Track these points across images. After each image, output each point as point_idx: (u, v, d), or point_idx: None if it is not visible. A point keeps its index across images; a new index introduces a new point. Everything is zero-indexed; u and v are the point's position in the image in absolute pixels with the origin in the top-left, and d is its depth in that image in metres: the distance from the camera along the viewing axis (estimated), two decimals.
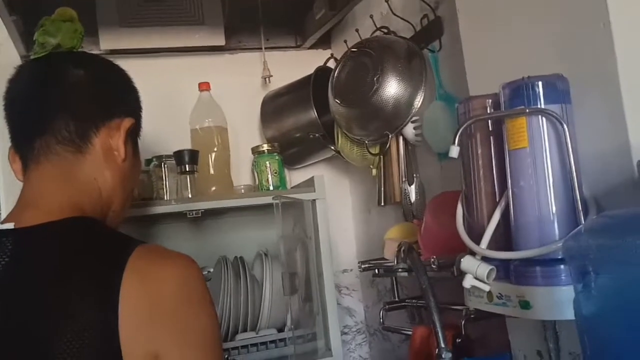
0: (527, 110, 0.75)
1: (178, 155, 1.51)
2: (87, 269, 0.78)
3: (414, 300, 1.38)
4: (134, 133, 0.97)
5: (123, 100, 0.97)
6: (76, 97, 0.91)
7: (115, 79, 0.98)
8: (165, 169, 1.52)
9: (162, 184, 1.53)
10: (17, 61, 1.62)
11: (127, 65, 1.73)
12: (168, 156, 1.53)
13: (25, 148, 0.90)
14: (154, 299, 0.77)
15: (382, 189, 1.48)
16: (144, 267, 0.78)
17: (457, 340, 1.09)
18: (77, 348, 0.73)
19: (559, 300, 0.72)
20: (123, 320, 0.74)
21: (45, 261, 0.80)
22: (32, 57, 0.95)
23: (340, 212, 1.85)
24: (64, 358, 0.73)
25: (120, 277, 0.75)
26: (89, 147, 0.90)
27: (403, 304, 1.40)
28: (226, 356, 1.37)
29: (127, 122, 0.93)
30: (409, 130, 1.36)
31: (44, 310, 0.76)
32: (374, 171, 1.51)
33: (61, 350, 0.73)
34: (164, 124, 1.66)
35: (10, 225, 0.83)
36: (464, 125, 0.82)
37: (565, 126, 0.73)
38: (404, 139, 1.40)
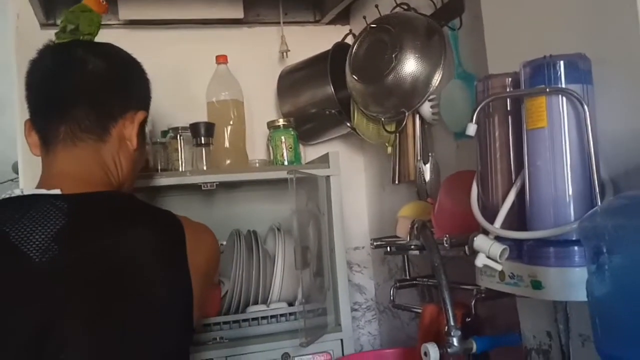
0: (548, 90, 0.74)
1: (194, 127, 1.51)
2: (156, 225, 0.92)
3: (424, 279, 1.38)
4: (143, 123, 1.05)
5: (138, 93, 1.05)
6: (97, 88, 0.99)
7: (132, 72, 1.05)
8: (181, 140, 1.53)
9: (177, 156, 1.54)
10: (37, 29, 1.63)
11: (145, 36, 1.73)
12: (184, 128, 1.53)
13: (47, 130, 0.98)
14: (207, 262, 0.95)
15: (397, 166, 1.48)
16: (195, 234, 0.94)
17: (466, 319, 1.09)
18: (168, 298, 0.88)
19: (571, 281, 0.71)
20: (191, 265, 0.90)
21: (101, 223, 0.89)
22: (55, 41, 1.02)
23: (354, 188, 1.85)
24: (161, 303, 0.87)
25: (182, 230, 0.92)
26: (108, 136, 0.99)
27: (414, 282, 1.40)
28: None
29: (140, 115, 1.02)
30: (426, 108, 1.35)
31: (113, 263, 0.86)
32: (389, 149, 1.50)
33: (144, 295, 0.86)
34: (181, 96, 1.67)
35: (57, 191, 0.90)
36: (483, 103, 0.82)
37: (585, 107, 0.72)
38: (421, 117, 1.39)
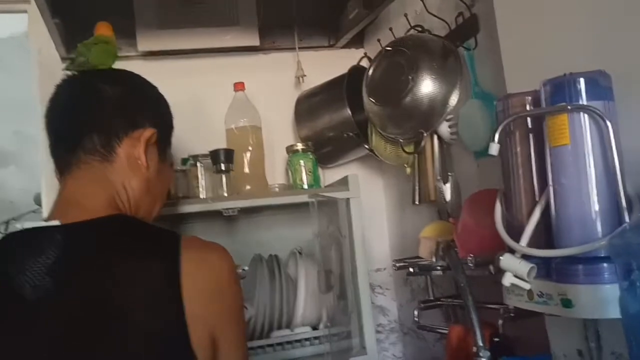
0: (569, 107, 0.74)
1: (214, 154, 1.53)
2: (140, 259, 0.86)
3: (449, 299, 1.37)
4: (161, 142, 1.05)
5: (145, 111, 1.03)
6: (102, 112, 0.99)
7: (140, 92, 1.06)
8: (202, 168, 1.55)
9: (198, 183, 1.55)
10: (58, 63, 1.66)
11: (164, 66, 1.77)
12: (204, 155, 1.55)
13: (60, 163, 0.99)
14: (211, 282, 0.88)
15: (417, 187, 1.48)
16: (196, 254, 0.88)
17: (494, 339, 1.08)
18: (146, 331, 0.81)
19: (602, 299, 0.71)
20: (187, 303, 0.83)
21: (94, 254, 0.87)
22: (65, 70, 1.06)
23: (374, 210, 1.85)
24: (133, 343, 0.81)
25: (178, 262, 0.85)
26: (114, 155, 0.98)
27: (438, 302, 1.39)
28: None
29: (147, 133, 1.00)
30: (444, 128, 1.35)
31: (102, 298, 0.82)
32: (409, 170, 1.50)
33: (128, 337, 0.81)
34: (200, 124, 1.70)
35: (56, 222, 0.89)
36: (505, 122, 0.82)
37: (608, 123, 0.72)
38: (439, 138, 1.40)
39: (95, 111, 0.99)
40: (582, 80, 0.75)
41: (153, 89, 1.08)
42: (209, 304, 0.87)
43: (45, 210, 1.74)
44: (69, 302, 0.83)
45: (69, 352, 0.81)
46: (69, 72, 1.06)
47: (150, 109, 1.05)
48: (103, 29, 1.11)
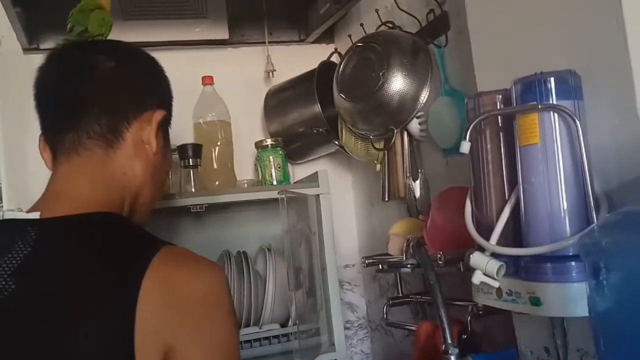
0: (540, 106, 0.75)
1: (181, 149, 1.51)
2: (107, 266, 0.76)
3: (418, 296, 1.37)
4: (165, 124, 0.95)
5: (154, 91, 0.94)
6: (108, 91, 0.89)
7: (146, 69, 0.95)
8: None
9: None
10: (19, 53, 1.61)
11: None
12: (172, 150, 1.52)
13: (55, 140, 0.88)
14: (173, 300, 0.75)
15: (386, 184, 1.48)
16: (165, 269, 0.76)
17: (462, 336, 1.09)
18: (92, 345, 0.72)
19: (570, 297, 0.71)
20: (140, 321, 0.72)
21: (64, 256, 0.78)
22: (62, 41, 0.93)
23: (342, 206, 1.85)
24: (77, 355, 0.72)
25: (141, 277, 0.73)
26: (120, 141, 0.88)
27: (407, 299, 1.39)
28: None
29: (158, 115, 0.91)
30: (414, 125, 1.36)
31: (59, 304, 0.75)
32: (378, 166, 1.50)
33: (74, 348, 0.72)
34: None
35: (36, 215, 0.81)
36: (476, 120, 0.82)
37: (577, 122, 0.73)
38: (409, 134, 1.40)
39: (99, 89, 0.88)
40: (552, 79, 0.75)
41: (157, 63, 0.97)
42: (169, 341, 0.73)
43: (6, 204, 1.69)
44: (24, 310, 0.75)
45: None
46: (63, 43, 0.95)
47: (158, 87, 0.95)
48: None
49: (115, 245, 0.80)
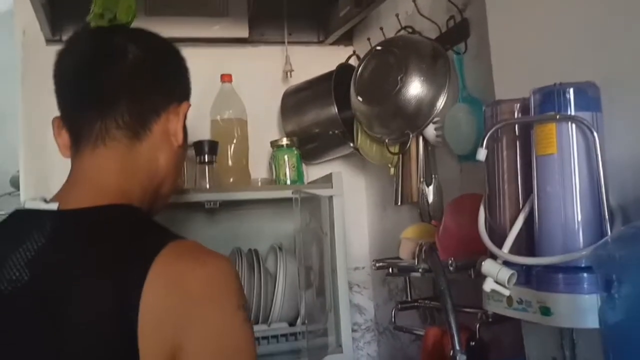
0: (558, 117, 0.75)
1: (198, 145, 1.52)
2: (116, 259, 0.76)
3: (427, 301, 1.38)
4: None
5: (181, 83, 0.94)
6: (139, 81, 0.88)
7: (174, 61, 0.95)
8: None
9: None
10: (42, 44, 1.63)
11: None
12: (188, 146, 1.53)
13: (78, 128, 0.87)
14: (175, 290, 0.74)
15: (400, 188, 1.48)
16: (170, 260, 0.75)
17: (470, 343, 1.09)
18: (93, 340, 0.73)
19: (580, 308, 0.72)
20: (143, 314, 0.71)
21: (77, 249, 0.79)
22: (91, 25, 0.90)
23: (354, 208, 1.85)
24: (79, 348, 0.73)
25: (146, 271, 0.73)
26: (147, 133, 0.87)
27: (416, 304, 1.40)
28: None
29: (185, 107, 0.91)
30: (430, 130, 1.36)
31: (68, 298, 0.75)
32: (392, 170, 1.51)
33: (77, 342, 0.73)
34: None
35: (54, 206, 0.81)
36: (494, 128, 0.82)
37: (595, 134, 0.73)
38: (424, 139, 1.40)
39: (131, 78, 0.87)
40: (571, 90, 0.75)
41: (181, 55, 0.96)
42: (168, 320, 0.73)
43: (24, 193, 1.71)
44: (36, 300, 0.76)
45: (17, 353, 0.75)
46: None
47: (183, 79, 0.95)
48: None
49: (127, 239, 0.80)
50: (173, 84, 0.93)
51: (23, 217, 0.84)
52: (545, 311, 0.75)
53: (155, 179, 0.90)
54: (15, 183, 2.47)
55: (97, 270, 0.76)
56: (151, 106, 0.88)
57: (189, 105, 0.93)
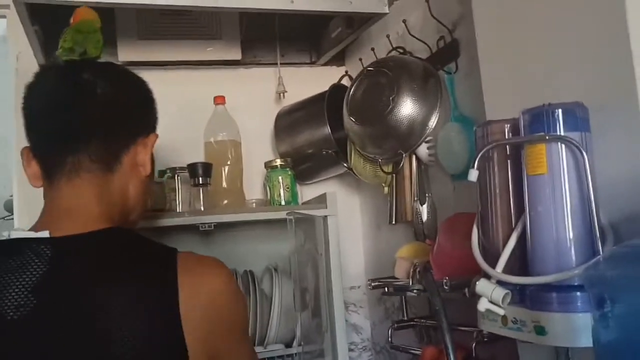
0: (547, 137, 0.76)
1: (192, 167, 1.52)
2: (136, 274, 0.82)
3: (423, 320, 1.37)
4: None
5: (148, 115, 0.99)
6: (108, 117, 0.92)
7: (142, 94, 0.99)
8: (179, 180, 1.54)
9: (175, 196, 1.54)
10: (35, 70, 1.64)
11: (144, 77, 1.75)
12: (182, 168, 1.54)
13: (51, 161, 0.90)
14: (210, 297, 0.84)
15: (394, 207, 1.49)
16: (193, 269, 0.84)
17: None
18: (145, 348, 0.77)
19: (575, 327, 0.72)
20: (185, 319, 0.80)
21: (85, 270, 0.82)
22: (62, 59, 0.92)
23: (349, 228, 1.86)
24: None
25: (175, 278, 0.81)
26: (118, 165, 0.92)
27: (412, 323, 1.39)
28: None
29: (152, 138, 0.96)
30: (423, 150, 1.37)
31: (105, 315, 0.78)
32: (386, 189, 1.51)
33: (125, 355, 0.76)
34: (179, 136, 1.68)
35: (45, 234, 0.83)
36: (485, 149, 0.83)
37: (585, 154, 0.74)
38: (417, 159, 1.41)
39: (102, 114, 0.90)
40: (560, 111, 0.76)
41: (148, 87, 1.00)
42: (208, 328, 0.82)
43: (17, 218, 1.71)
44: (53, 323, 0.78)
45: None
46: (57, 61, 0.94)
47: (151, 111, 0.99)
48: (87, 13, 0.98)
49: (136, 255, 0.86)
50: (141, 117, 0.97)
51: (14, 247, 0.84)
52: (540, 330, 0.76)
53: (125, 207, 0.94)
54: (9, 207, 2.47)
55: (115, 287, 0.80)
56: (121, 140, 0.92)
57: (157, 137, 0.97)
